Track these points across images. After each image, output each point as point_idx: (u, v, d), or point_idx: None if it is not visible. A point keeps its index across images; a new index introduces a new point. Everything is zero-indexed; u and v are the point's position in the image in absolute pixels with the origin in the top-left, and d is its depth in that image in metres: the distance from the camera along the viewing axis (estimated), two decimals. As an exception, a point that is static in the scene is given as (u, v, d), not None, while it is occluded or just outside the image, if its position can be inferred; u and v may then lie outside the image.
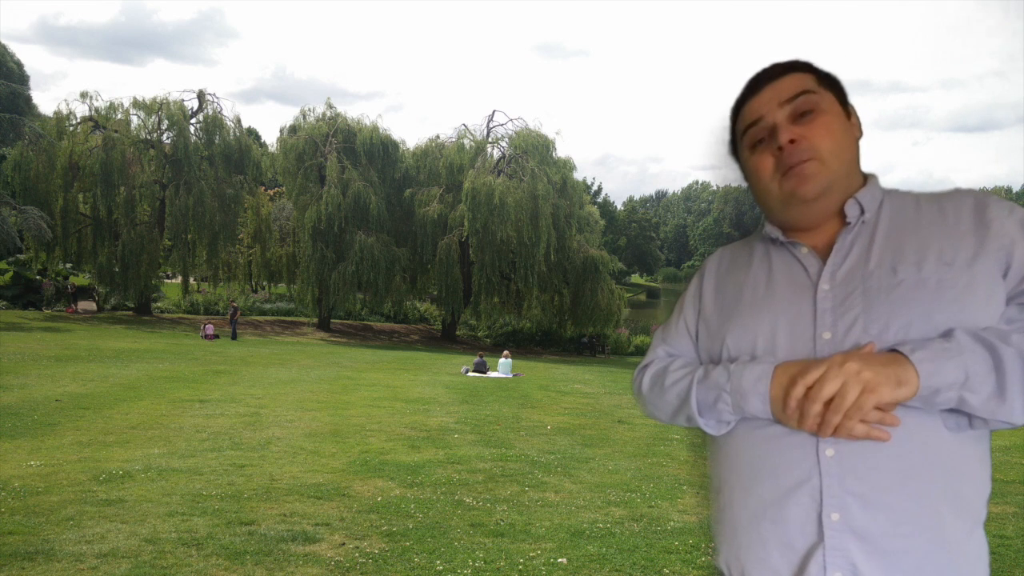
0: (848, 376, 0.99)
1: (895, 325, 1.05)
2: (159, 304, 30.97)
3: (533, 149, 27.47)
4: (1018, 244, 1.06)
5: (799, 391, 1.03)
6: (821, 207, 1.15)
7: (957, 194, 1.14)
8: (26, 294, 27.59)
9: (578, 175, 31.00)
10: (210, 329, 22.69)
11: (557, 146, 28.93)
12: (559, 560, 3.93)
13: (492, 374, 15.92)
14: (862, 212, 1.14)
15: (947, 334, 1.01)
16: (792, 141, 1.12)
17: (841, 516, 1.05)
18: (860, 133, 1.19)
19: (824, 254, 1.16)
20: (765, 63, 1.20)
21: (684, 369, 1.24)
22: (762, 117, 1.16)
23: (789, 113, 1.14)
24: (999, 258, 1.06)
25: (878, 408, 1.00)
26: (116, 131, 26.40)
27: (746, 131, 1.19)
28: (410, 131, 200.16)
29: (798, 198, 1.14)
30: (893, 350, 1.02)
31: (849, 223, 1.14)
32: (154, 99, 27.31)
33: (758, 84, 1.18)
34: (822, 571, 1.05)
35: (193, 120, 28.29)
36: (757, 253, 1.25)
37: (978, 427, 1.04)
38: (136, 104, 27.23)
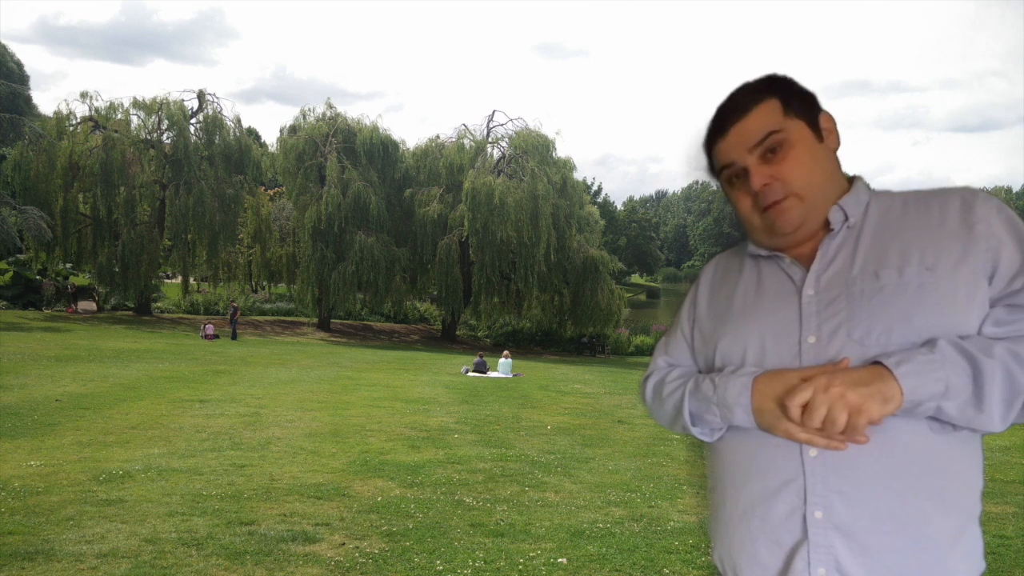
0: (833, 401, 1.00)
1: (877, 329, 1.06)
2: (159, 304, 30.96)
3: (533, 149, 27.45)
4: (1004, 246, 1.06)
5: (795, 414, 1.04)
6: (804, 230, 1.17)
7: (944, 193, 1.14)
8: (26, 294, 27.60)
9: (578, 175, 31.06)
10: (210, 329, 22.69)
11: (557, 146, 28.92)
12: (559, 560, 3.93)
13: (492, 374, 15.91)
14: (846, 218, 1.16)
15: (930, 344, 1.02)
16: (766, 184, 1.14)
17: (825, 514, 1.07)
18: (837, 144, 1.20)
19: (809, 262, 1.17)
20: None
21: (679, 380, 1.27)
22: (733, 162, 1.17)
23: (759, 156, 1.15)
24: (985, 261, 1.06)
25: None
26: (116, 131, 26.41)
27: (722, 169, 1.21)
28: (410, 131, 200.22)
29: (778, 231, 1.16)
30: (877, 362, 1.03)
31: (832, 229, 1.16)
32: (154, 99, 27.34)
33: (724, 124, 1.18)
34: (807, 567, 1.08)
35: (193, 120, 28.30)
36: (748, 261, 1.27)
37: (961, 430, 1.05)
38: (136, 104, 27.25)
